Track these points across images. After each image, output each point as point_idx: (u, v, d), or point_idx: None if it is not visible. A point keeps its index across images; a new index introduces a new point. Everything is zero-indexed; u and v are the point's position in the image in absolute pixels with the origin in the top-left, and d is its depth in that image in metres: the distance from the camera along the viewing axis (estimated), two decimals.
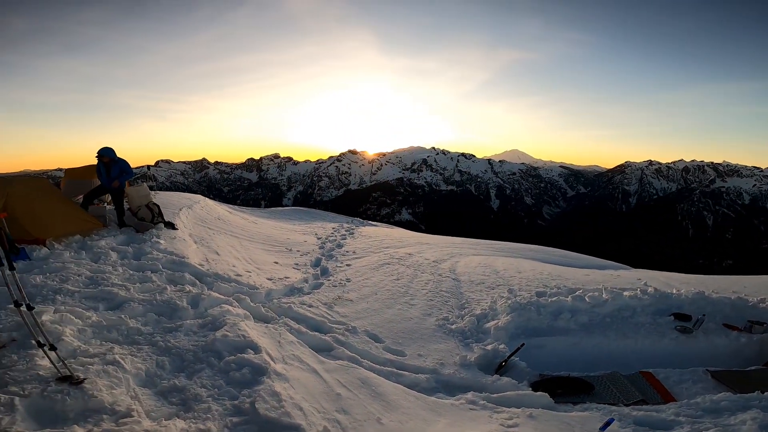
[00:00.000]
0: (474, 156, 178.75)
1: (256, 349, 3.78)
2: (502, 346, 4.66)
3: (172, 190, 14.69)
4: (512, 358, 4.44)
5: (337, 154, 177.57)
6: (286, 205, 52.23)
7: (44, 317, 3.55)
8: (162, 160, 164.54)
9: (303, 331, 4.66)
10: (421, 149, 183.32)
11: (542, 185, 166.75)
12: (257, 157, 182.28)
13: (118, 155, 7.14)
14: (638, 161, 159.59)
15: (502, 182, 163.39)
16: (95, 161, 7.14)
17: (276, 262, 8.01)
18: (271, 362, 3.61)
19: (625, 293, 5.91)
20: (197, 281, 5.50)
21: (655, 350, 5.01)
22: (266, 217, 14.22)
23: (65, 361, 3.04)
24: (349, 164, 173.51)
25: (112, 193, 7.18)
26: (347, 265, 7.89)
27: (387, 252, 9.14)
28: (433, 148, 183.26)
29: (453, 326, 5.26)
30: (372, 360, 4.32)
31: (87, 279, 4.93)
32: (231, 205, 15.44)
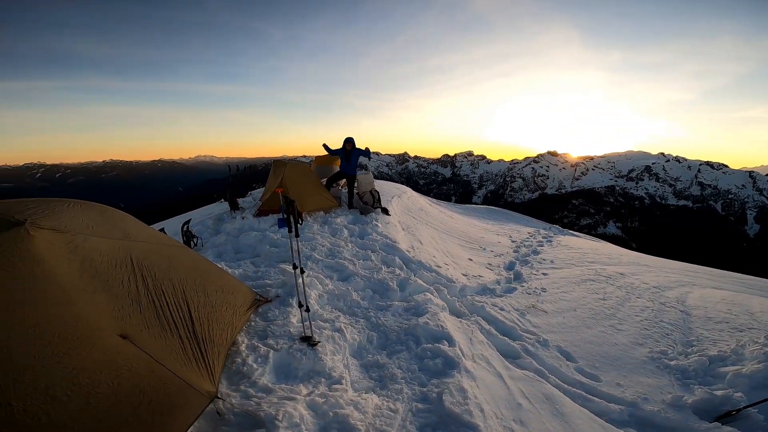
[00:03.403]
0: (726, 166, 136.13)
1: (451, 341, 3.79)
2: (738, 394, 3.87)
3: (378, 180, 16.62)
4: (749, 408, 3.66)
5: (534, 155, 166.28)
6: (476, 203, 52.30)
7: (300, 280, 4.28)
8: (373, 153, 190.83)
9: (493, 333, 4.54)
10: (644, 154, 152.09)
11: None
12: (452, 154, 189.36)
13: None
14: None
15: None
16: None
17: (470, 259, 7.99)
18: (463, 358, 3.58)
19: None
20: (404, 266, 5.92)
21: None
22: (460, 213, 14.45)
23: (310, 322, 3.61)
24: (548, 167, 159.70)
25: (348, 179, 8.58)
26: (543, 274, 7.25)
27: (592, 267, 7.95)
28: (662, 153, 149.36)
29: (672, 362, 4.47)
30: (560, 378, 3.97)
31: (327, 250, 5.93)
32: (429, 198, 16.37)
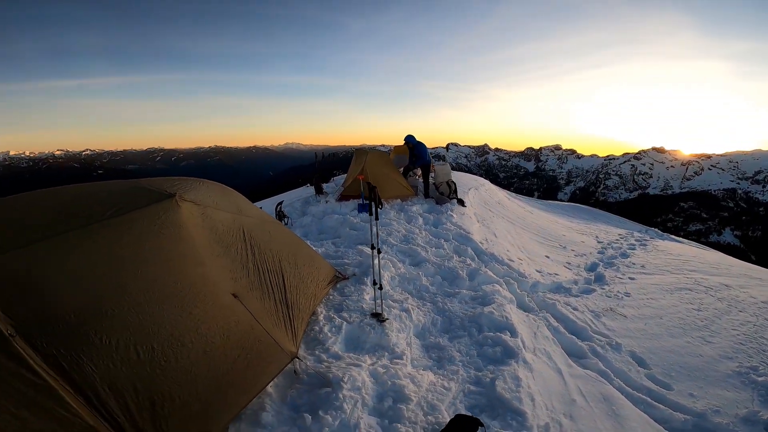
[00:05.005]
0: None
1: (514, 333, 3.85)
2: None
3: (456, 171, 16.45)
4: None
5: (636, 151, 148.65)
6: (561, 200, 48.71)
7: (376, 261, 4.61)
8: (451, 143, 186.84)
9: (561, 331, 4.46)
10: None
11: None
12: (536, 147, 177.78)
13: (418, 139, 8.92)
14: None
15: None
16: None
17: (547, 256, 7.70)
18: (523, 349, 3.63)
19: None
20: (476, 257, 5.99)
21: None
22: (542, 209, 13.76)
23: (382, 301, 3.92)
24: (651, 164, 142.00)
25: (423, 169, 8.80)
26: (630, 278, 6.75)
27: (691, 276, 7.18)
28: None
29: (760, 378, 4.09)
30: (625, 381, 3.79)
31: (402, 236, 6.26)
32: (509, 191, 15.81)
